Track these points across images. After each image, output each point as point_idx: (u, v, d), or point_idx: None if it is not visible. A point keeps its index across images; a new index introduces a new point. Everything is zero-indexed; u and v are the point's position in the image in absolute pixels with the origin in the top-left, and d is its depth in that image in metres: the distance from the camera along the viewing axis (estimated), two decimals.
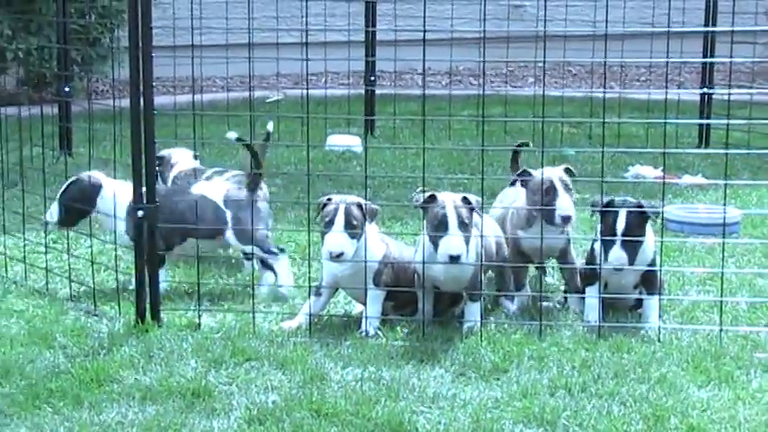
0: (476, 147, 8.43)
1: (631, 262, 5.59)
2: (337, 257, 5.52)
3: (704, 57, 9.85)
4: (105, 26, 10.88)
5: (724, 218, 6.76)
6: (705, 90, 9.99)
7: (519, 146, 6.56)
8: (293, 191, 8.27)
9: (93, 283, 6.03)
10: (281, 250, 6.18)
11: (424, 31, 5.63)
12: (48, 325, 5.62)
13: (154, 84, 5.56)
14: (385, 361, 5.23)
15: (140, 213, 5.59)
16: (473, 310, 5.65)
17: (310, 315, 5.66)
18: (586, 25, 10.47)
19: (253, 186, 6.02)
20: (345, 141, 9.66)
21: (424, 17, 5.63)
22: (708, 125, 9.92)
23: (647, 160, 8.98)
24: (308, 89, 5.75)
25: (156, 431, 4.54)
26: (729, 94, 9.57)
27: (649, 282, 5.71)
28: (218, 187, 6.22)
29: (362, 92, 10.41)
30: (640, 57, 10.28)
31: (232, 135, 6.15)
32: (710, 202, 8.03)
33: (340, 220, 5.54)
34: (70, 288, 6.12)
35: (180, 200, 6.09)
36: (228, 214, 6.09)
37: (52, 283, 6.24)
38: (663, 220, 6.80)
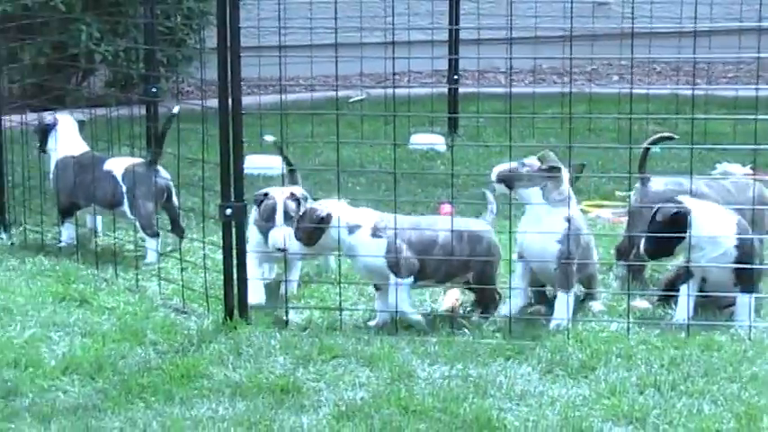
0: (561, 144, 8.38)
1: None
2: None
3: None
4: (191, 27, 11.00)
5: None
6: None
7: (656, 141, 6.51)
8: (377, 190, 8.30)
9: (182, 280, 6.11)
10: (155, 234, 6.70)
11: (510, 29, 5.63)
12: (138, 322, 5.71)
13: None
14: (472, 358, 5.24)
15: (228, 212, 5.65)
16: (561, 306, 5.63)
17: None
18: (672, 22, 10.37)
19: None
20: (429, 140, 9.66)
21: (510, 15, 5.62)
22: None
23: (736, 157, 8.86)
24: (394, 88, 5.78)
25: (246, 426, 4.59)
26: None
27: (744, 279, 5.64)
28: (121, 163, 6.84)
29: (446, 90, 10.40)
30: (728, 53, 10.16)
31: (269, 138, 6.68)
32: None
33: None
34: (159, 285, 6.21)
35: (87, 170, 6.79)
36: (123, 188, 6.70)
37: (141, 281, 6.32)
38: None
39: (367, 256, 5.62)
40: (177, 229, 6.88)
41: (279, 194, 5.93)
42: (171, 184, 6.83)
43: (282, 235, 5.80)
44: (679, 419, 4.60)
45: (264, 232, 5.87)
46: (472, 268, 5.73)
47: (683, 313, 5.63)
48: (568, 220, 5.67)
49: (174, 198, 6.86)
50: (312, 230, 5.63)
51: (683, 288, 5.69)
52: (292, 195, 5.95)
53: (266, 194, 5.95)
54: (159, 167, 6.81)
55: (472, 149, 9.16)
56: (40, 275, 6.41)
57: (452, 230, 5.66)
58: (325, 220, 5.63)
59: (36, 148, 7.23)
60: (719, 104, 10.42)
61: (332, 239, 5.65)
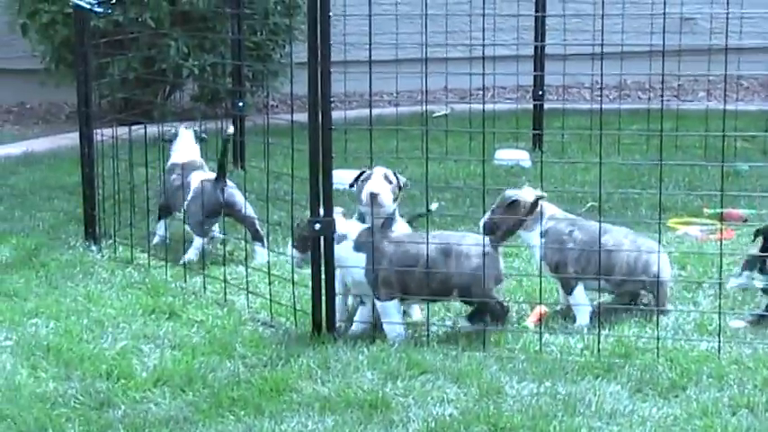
0: (650, 162, 8.33)
1: None
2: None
3: None
4: (276, 43, 11.09)
5: None
6: None
7: None
8: (462, 205, 8.29)
9: (270, 294, 6.15)
10: (202, 235, 7.00)
11: (602, 45, 5.60)
12: (227, 335, 5.75)
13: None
14: (560, 376, 5.21)
15: (317, 227, 5.69)
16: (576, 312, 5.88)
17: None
18: (760, 38, 10.25)
19: None
20: (514, 156, 9.62)
21: (602, 31, 5.60)
22: None
23: None
24: (483, 103, 5.78)
25: None
26: None
27: None
28: (199, 176, 7.16)
29: (530, 106, 10.37)
30: None
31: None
32: None
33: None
34: (247, 299, 6.26)
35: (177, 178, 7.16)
36: (189, 195, 7.05)
37: (229, 295, 6.37)
38: None
39: (349, 267, 5.73)
40: (256, 236, 7.06)
41: (378, 172, 6.01)
42: (235, 197, 7.05)
43: (377, 184, 5.85)
44: None
45: (359, 192, 5.92)
46: (456, 286, 5.69)
47: None
48: (542, 234, 5.89)
49: (243, 209, 7.05)
50: (306, 237, 5.77)
51: None
52: (394, 173, 6.00)
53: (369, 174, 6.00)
54: (228, 182, 7.06)
55: (558, 165, 9.11)
56: (130, 288, 6.49)
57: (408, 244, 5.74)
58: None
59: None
60: None
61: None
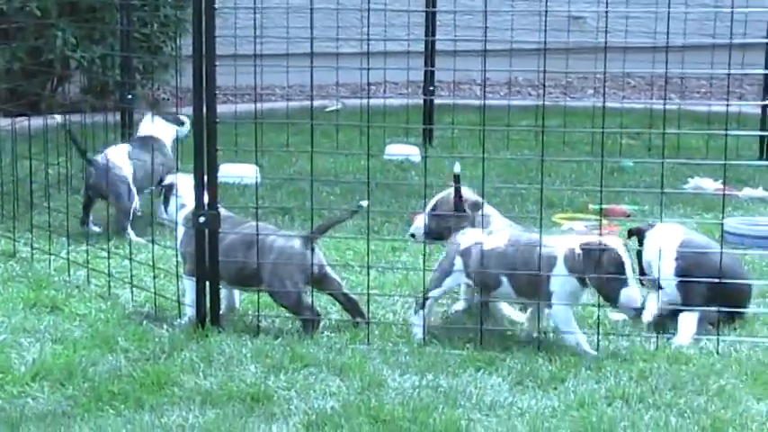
0: (535, 157, 8.44)
1: None
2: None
3: (766, 68, 9.78)
4: (167, 35, 11.00)
5: None
6: (766, 102, 9.92)
7: None
8: (351, 200, 8.30)
9: (155, 288, 6.11)
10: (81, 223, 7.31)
11: (485, 42, 5.66)
12: (110, 329, 5.70)
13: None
14: (443, 369, 5.26)
15: (201, 220, 5.67)
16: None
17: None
18: (647, 37, 10.43)
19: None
20: (404, 151, 9.69)
21: (486, 27, 5.66)
22: None
23: (707, 172, 8.94)
24: (368, 98, 5.80)
25: None
26: None
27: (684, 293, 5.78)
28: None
29: (421, 101, 10.44)
30: (701, 69, 10.26)
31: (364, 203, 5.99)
32: None
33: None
34: (132, 293, 6.21)
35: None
36: None
37: (114, 288, 6.31)
38: (722, 233, 6.81)
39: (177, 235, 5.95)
40: (116, 226, 7.32)
41: (619, 245, 5.42)
42: (101, 179, 7.23)
43: (638, 293, 5.41)
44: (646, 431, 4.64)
45: (616, 289, 5.36)
46: (263, 279, 5.73)
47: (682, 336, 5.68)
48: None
49: (105, 192, 7.29)
50: (167, 197, 6.02)
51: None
52: (625, 245, 5.52)
53: (604, 246, 5.36)
54: (97, 164, 7.30)
55: (447, 160, 9.17)
56: (12, 281, 6.40)
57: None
58: (168, 189, 6.02)
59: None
60: (692, 119, 10.51)
61: (170, 212, 6.03)
